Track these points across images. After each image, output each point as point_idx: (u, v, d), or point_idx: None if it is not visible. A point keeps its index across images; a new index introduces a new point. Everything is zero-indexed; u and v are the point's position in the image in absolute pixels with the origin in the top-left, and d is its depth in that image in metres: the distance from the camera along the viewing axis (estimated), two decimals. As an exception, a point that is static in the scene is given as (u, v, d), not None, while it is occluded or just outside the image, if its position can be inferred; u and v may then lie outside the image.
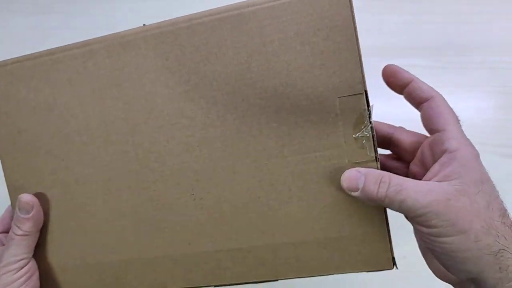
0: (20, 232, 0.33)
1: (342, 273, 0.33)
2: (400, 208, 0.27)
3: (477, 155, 0.29)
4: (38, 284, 0.34)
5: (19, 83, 0.34)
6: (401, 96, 0.61)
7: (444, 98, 0.31)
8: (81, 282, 0.35)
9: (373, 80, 0.61)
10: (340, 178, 0.30)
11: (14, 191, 0.35)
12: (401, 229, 0.55)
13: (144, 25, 0.33)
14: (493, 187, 0.28)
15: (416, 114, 0.55)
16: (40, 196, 0.34)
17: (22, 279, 0.32)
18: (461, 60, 0.60)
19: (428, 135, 0.33)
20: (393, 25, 0.62)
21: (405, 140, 0.34)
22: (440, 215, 0.26)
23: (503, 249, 0.26)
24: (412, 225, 0.29)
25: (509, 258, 0.25)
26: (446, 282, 0.31)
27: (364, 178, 0.28)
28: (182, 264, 0.33)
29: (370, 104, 0.31)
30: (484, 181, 0.28)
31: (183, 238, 0.33)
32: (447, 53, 0.60)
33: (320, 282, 0.52)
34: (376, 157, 0.30)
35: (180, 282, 0.34)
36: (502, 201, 0.28)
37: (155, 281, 0.34)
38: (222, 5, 0.32)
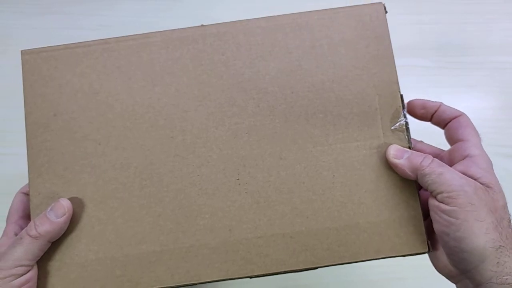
0: (33, 233, 0.30)
1: (381, 258, 0.34)
2: (436, 180, 0.30)
3: (492, 165, 0.33)
4: None
5: (65, 68, 0.35)
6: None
7: (468, 117, 0.35)
8: (101, 279, 0.32)
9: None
10: (379, 165, 0.34)
11: (36, 176, 0.33)
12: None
13: (202, 25, 0.36)
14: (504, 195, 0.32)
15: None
16: (73, 201, 0.33)
17: None
18: (461, 60, 0.60)
19: (444, 149, 0.37)
20: (393, 25, 0.62)
21: (425, 151, 0.36)
22: (468, 196, 0.29)
23: (503, 246, 0.28)
24: (434, 205, 0.31)
25: (506, 255, 0.28)
26: (443, 274, 0.32)
27: (410, 152, 0.32)
28: (220, 253, 0.33)
29: (405, 101, 0.35)
30: (499, 186, 0.32)
31: (224, 224, 0.33)
32: (447, 53, 0.60)
33: (327, 285, 0.52)
34: (410, 146, 0.34)
35: (216, 273, 0.33)
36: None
37: (187, 273, 0.33)
38: (276, 15, 0.37)
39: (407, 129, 0.35)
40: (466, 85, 0.59)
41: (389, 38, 0.37)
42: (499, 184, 0.32)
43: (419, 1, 0.63)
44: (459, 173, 0.31)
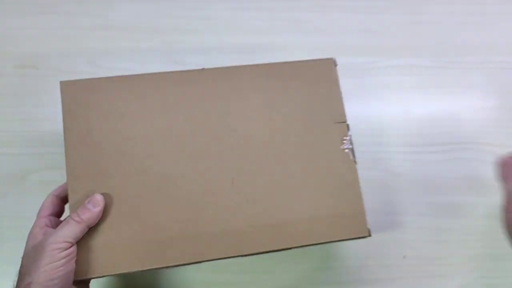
0: (77, 219, 0.39)
1: (335, 241, 0.43)
2: None
3: None
4: (74, 267, 0.38)
5: (98, 95, 0.44)
6: (395, 96, 0.60)
7: None
8: (126, 259, 0.41)
9: (373, 80, 0.61)
10: (332, 172, 0.44)
11: (73, 179, 0.42)
12: (400, 230, 0.55)
13: (203, 68, 0.47)
14: None
15: (407, 112, 0.54)
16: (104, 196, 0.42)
17: (64, 260, 0.37)
18: (461, 60, 0.60)
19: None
20: (393, 25, 0.62)
21: None
22: None
23: None
24: None
25: None
26: None
27: None
28: (220, 238, 0.42)
29: (350, 127, 0.46)
30: None
31: (223, 216, 0.42)
32: (447, 53, 0.60)
33: (327, 284, 0.52)
34: (355, 160, 0.45)
35: (217, 253, 0.42)
36: None
37: (194, 252, 0.42)
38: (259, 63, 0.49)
39: (352, 148, 0.46)
40: (466, 85, 0.59)
41: (338, 84, 0.48)
42: None
43: (419, 1, 0.63)
44: None
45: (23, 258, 0.39)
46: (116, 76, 0.45)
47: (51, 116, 0.54)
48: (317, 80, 0.48)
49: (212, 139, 0.44)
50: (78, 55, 0.60)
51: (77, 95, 0.44)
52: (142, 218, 0.42)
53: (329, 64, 0.49)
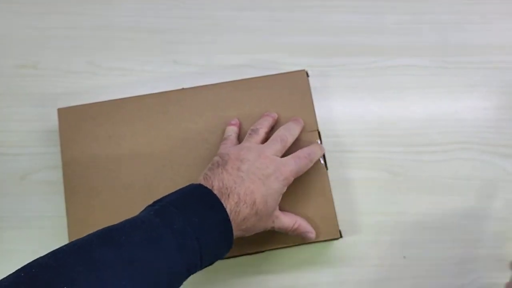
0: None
1: (309, 242, 0.47)
2: None
3: None
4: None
5: (89, 120, 0.51)
6: (395, 96, 0.61)
7: None
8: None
9: (373, 80, 0.61)
10: (304, 178, 0.47)
11: (70, 194, 0.49)
12: (400, 230, 0.55)
13: (183, 88, 0.53)
14: None
15: (407, 112, 0.54)
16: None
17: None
18: (461, 60, 0.60)
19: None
20: (393, 25, 0.62)
21: None
22: None
23: None
24: None
25: None
26: None
27: None
28: None
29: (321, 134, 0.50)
30: None
31: None
32: (447, 53, 0.60)
33: (325, 285, 0.52)
34: (326, 165, 0.50)
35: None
36: None
37: None
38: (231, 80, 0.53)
39: (323, 155, 0.50)
40: (466, 85, 0.59)
41: (310, 94, 0.51)
42: None
43: (419, 1, 0.63)
44: None
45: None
46: (106, 101, 0.51)
47: (50, 116, 0.54)
48: (290, 91, 0.51)
49: (188, 151, 0.50)
50: (78, 55, 0.59)
51: (72, 120, 0.51)
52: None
53: (302, 76, 0.52)
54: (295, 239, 0.47)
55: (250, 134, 0.46)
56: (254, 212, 0.39)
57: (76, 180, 0.49)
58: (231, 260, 0.48)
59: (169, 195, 0.39)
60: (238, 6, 0.62)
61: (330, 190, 0.48)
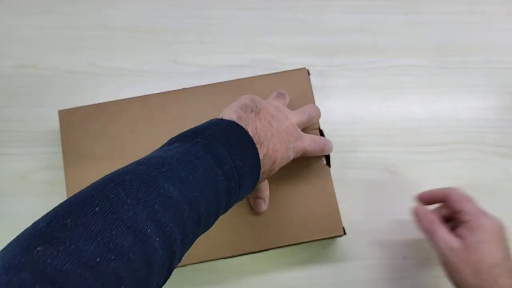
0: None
1: (312, 240, 0.47)
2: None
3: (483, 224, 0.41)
4: None
5: (89, 121, 0.50)
6: (395, 96, 0.61)
7: (458, 191, 0.44)
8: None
9: (373, 80, 0.61)
10: (307, 176, 0.49)
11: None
12: (400, 230, 0.55)
13: (184, 88, 0.52)
14: (494, 248, 0.40)
15: (407, 112, 0.54)
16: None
17: None
18: (461, 60, 0.60)
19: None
20: (393, 25, 0.62)
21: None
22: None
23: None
24: None
25: None
26: None
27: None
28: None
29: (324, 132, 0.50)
30: (481, 243, 0.40)
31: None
32: (447, 53, 0.60)
33: (325, 285, 0.52)
34: (329, 163, 0.49)
35: (198, 257, 0.46)
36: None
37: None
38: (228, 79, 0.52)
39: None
40: (466, 85, 0.59)
41: (312, 92, 0.52)
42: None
43: (419, 1, 0.63)
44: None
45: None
46: (106, 102, 0.51)
47: (50, 116, 0.54)
48: (291, 90, 0.50)
49: None
50: (78, 55, 0.59)
51: (73, 122, 0.50)
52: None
53: (303, 74, 0.52)
54: (296, 238, 0.47)
55: (278, 96, 0.45)
56: (270, 169, 0.39)
57: (78, 181, 0.48)
58: (231, 260, 0.48)
59: (207, 127, 0.37)
60: (238, 6, 0.62)
61: (333, 188, 0.48)
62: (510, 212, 0.54)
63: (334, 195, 0.48)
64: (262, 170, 0.37)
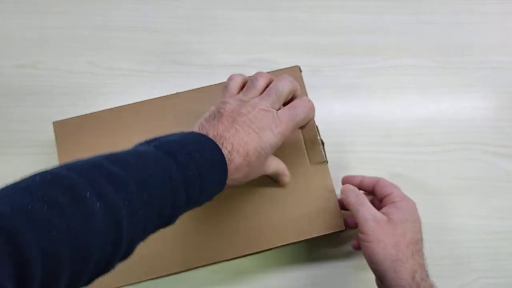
0: None
1: (315, 236, 0.47)
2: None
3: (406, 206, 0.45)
4: None
5: (84, 131, 0.50)
6: (395, 96, 0.61)
7: (386, 180, 0.47)
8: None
9: (373, 80, 0.61)
10: (306, 173, 0.49)
11: None
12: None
13: (177, 92, 0.52)
14: (415, 227, 0.44)
15: (407, 112, 0.54)
16: None
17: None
18: (461, 60, 0.60)
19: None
20: (393, 25, 0.62)
21: (365, 183, 0.49)
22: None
23: (399, 259, 0.40)
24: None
25: (401, 266, 0.40)
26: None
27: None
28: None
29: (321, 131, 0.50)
30: (405, 221, 0.43)
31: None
32: (447, 53, 0.60)
33: (325, 284, 0.52)
34: (325, 158, 0.49)
35: (201, 260, 0.47)
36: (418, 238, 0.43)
37: (181, 261, 0.47)
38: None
39: (323, 147, 0.50)
40: (466, 85, 0.59)
41: (304, 88, 0.51)
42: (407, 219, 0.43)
43: (419, 1, 0.63)
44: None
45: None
46: (101, 111, 0.51)
47: (50, 116, 0.54)
48: None
49: None
50: (78, 55, 0.60)
51: (68, 133, 0.50)
52: None
53: (295, 72, 0.52)
54: (297, 235, 0.47)
55: (248, 87, 0.44)
56: (247, 163, 0.39)
57: None
58: (231, 260, 0.48)
59: (163, 136, 0.38)
60: (238, 6, 0.62)
61: (332, 184, 0.48)
62: (510, 212, 0.54)
63: (334, 191, 0.48)
64: (233, 166, 0.38)
